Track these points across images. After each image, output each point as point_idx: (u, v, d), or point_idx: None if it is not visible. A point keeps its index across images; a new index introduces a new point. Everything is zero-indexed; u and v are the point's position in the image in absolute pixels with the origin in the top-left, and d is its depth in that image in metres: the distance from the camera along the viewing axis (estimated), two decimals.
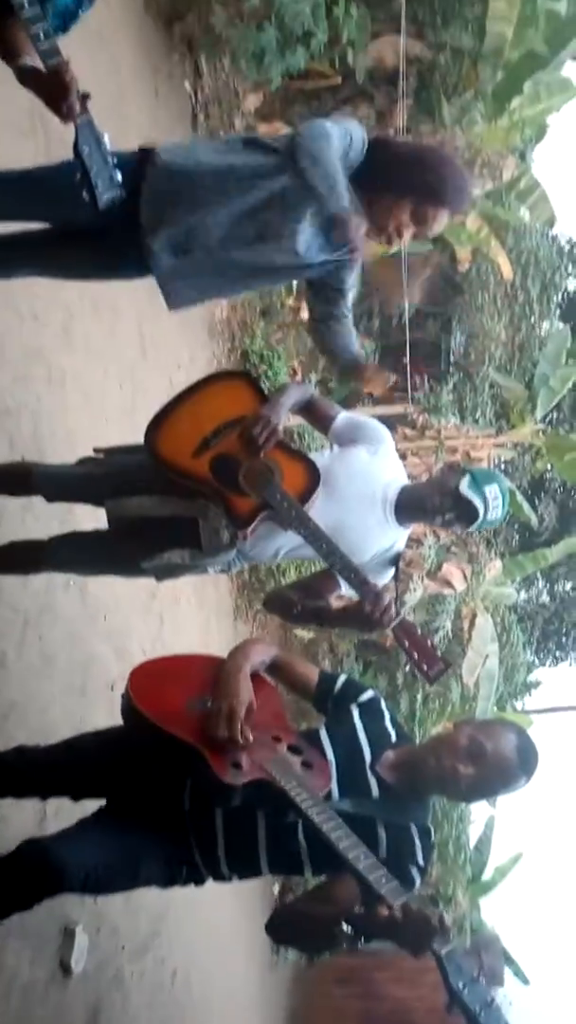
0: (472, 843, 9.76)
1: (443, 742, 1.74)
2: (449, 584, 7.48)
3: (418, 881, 1.65)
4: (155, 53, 5.37)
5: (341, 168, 1.77)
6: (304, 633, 7.54)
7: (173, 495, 1.96)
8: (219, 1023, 4.90)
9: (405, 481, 2.12)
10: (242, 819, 1.65)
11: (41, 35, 1.37)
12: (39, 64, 1.42)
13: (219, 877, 1.72)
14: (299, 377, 7.37)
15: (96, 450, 2.13)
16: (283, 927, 1.63)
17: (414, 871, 1.63)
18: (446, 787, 1.72)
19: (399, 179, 1.83)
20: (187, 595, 5.08)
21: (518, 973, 10.32)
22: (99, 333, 3.86)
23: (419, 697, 7.54)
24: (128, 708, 1.66)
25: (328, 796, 1.60)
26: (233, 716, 1.56)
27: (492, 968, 9.56)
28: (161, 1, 5.21)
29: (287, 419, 2.01)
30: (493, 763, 1.67)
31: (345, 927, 1.43)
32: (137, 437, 2.04)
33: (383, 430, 2.14)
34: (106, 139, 1.43)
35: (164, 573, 2.04)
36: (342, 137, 1.80)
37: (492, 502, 1.98)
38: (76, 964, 2.50)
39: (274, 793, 1.51)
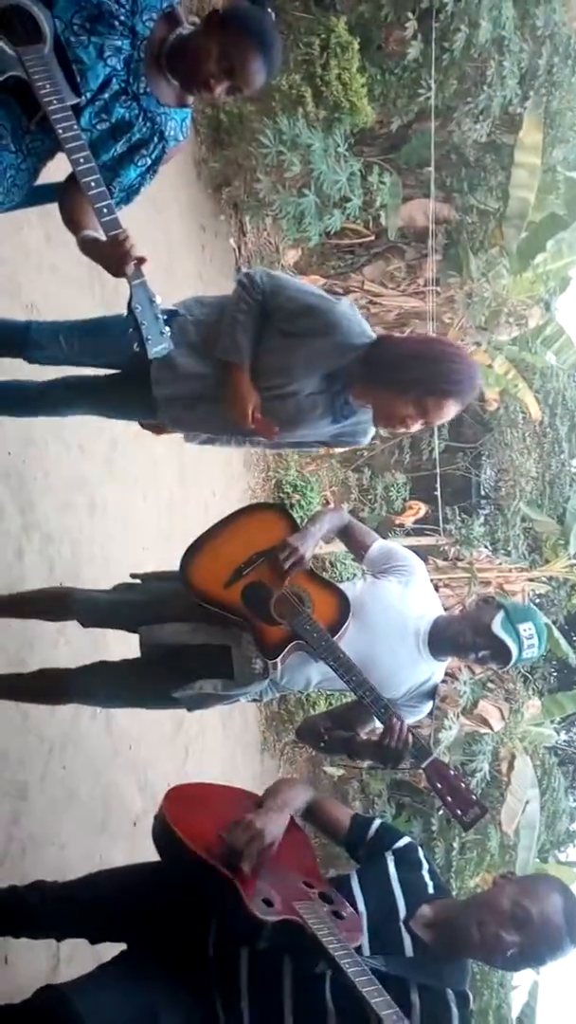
0: (515, 1013, 8.84)
1: (484, 905, 1.61)
2: (486, 723, 7.21)
3: None
4: (203, 213, 5.88)
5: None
6: (334, 771, 7.24)
7: (206, 623, 1.98)
8: None
9: (439, 612, 2.12)
10: (268, 968, 1.54)
11: (105, 211, 1.53)
12: (101, 235, 1.58)
13: None
14: (331, 506, 7.51)
15: (133, 576, 2.18)
16: None
17: None
18: (489, 956, 1.59)
19: (399, 377, 1.83)
20: (214, 726, 4.97)
21: None
22: (140, 463, 4.01)
23: (456, 845, 7.10)
24: (161, 831, 1.60)
25: (359, 951, 1.50)
26: (257, 838, 1.51)
27: None
28: (211, 170, 5.75)
29: (319, 546, 2.04)
30: (539, 929, 1.55)
31: None
32: (173, 564, 2.08)
33: (417, 561, 2.16)
34: (158, 298, 1.56)
35: (195, 703, 2.03)
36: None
37: (527, 641, 1.96)
38: None
39: (303, 939, 1.42)
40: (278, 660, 1.92)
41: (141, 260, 1.55)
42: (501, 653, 1.94)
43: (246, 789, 1.85)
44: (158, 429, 2.13)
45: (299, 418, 1.92)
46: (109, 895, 1.70)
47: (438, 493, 8.00)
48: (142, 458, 4.06)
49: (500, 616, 1.97)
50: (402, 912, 1.62)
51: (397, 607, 2.05)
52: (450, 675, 6.86)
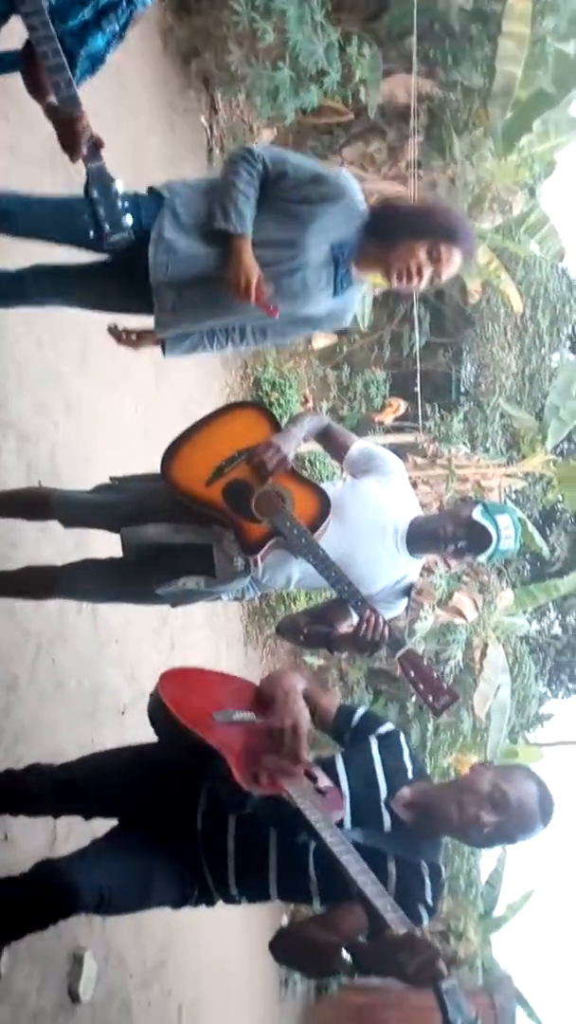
0: (483, 879, 9.60)
1: (465, 788, 1.72)
2: (460, 614, 7.45)
3: (426, 920, 1.64)
4: (172, 89, 5.52)
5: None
6: (314, 661, 7.51)
7: (188, 522, 2.00)
8: None
9: (417, 512, 2.15)
10: (254, 839, 1.65)
11: (62, 84, 1.43)
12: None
13: (229, 899, 1.72)
14: (310, 405, 7.45)
15: (112, 479, 2.17)
16: (286, 949, 1.62)
17: (422, 909, 1.62)
18: (467, 834, 1.70)
19: (413, 224, 1.89)
20: (198, 621, 5.10)
21: (531, 1014, 10.08)
22: (115, 360, 3.93)
23: (430, 728, 7.48)
24: (156, 708, 1.68)
25: (340, 825, 1.60)
26: (299, 733, 1.62)
27: (504, 1008, 9.33)
28: (179, 39, 5.36)
29: (299, 446, 2.04)
30: (515, 811, 1.66)
31: (346, 956, 1.42)
32: (152, 464, 2.07)
33: (396, 461, 2.18)
34: (118, 184, 1.48)
35: (178, 599, 2.07)
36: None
37: (504, 531, 2.00)
38: (84, 992, 2.49)
39: (288, 812, 1.52)
40: (259, 557, 1.95)
41: (98, 143, 1.47)
42: (480, 541, 1.99)
43: (235, 675, 1.93)
44: (136, 341, 2.07)
45: (305, 294, 1.90)
46: (104, 774, 1.80)
47: (418, 390, 7.96)
48: (116, 356, 3.97)
49: (479, 507, 2.02)
50: (383, 792, 1.72)
51: (376, 506, 2.08)
52: (426, 569, 7.03)
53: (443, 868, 1.72)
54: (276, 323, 1.96)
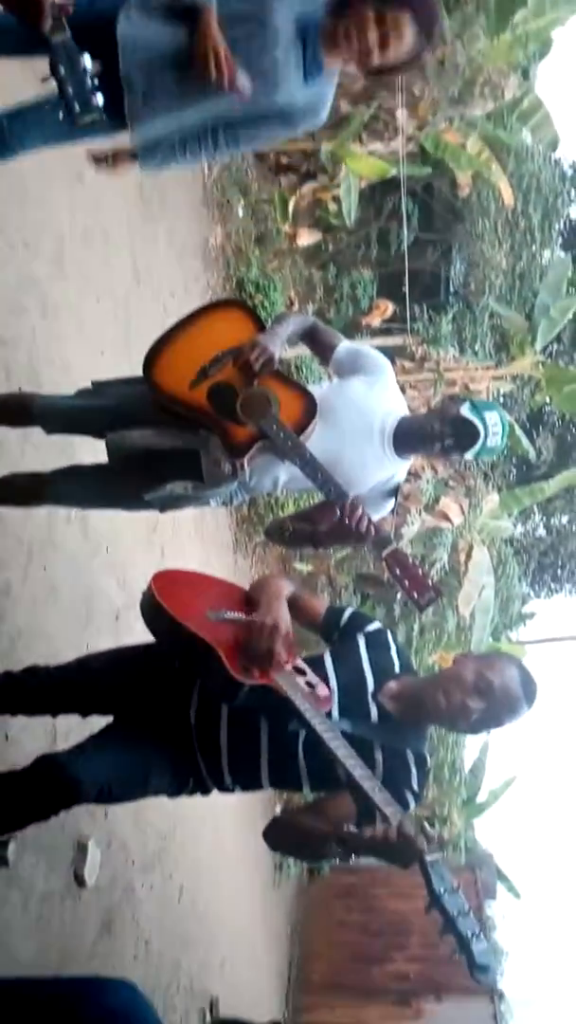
0: (467, 768, 10.08)
1: (450, 679, 1.76)
2: (446, 518, 7.53)
3: (412, 804, 1.70)
4: None
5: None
6: (303, 567, 7.62)
7: (173, 427, 1.97)
8: (224, 936, 5.16)
9: (404, 412, 2.12)
10: (246, 730, 1.71)
11: None
12: None
13: (223, 788, 1.80)
14: (296, 307, 7.26)
15: (94, 383, 2.13)
16: (279, 836, 1.71)
17: (408, 795, 1.68)
18: (455, 721, 1.76)
19: None
20: (187, 529, 5.13)
21: (510, 888, 10.80)
22: (91, 262, 3.79)
23: (416, 628, 7.68)
24: (149, 605, 1.71)
25: (328, 716, 1.65)
26: (277, 632, 1.64)
27: (486, 883, 9.99)
28: None
29: (285, 349, 2.00)
30: (500, 696, 1.71)
31: (336, 842, 1.47)
32: (133, 368, 2.03)
33: (384, 361, 2.13)
34: (86, 59, 1.38)
35: (166, 504, 2.07)
36: None
37: (492, 427, 1.99)
38: (89, 877, 2.63)
39: (278, 702, 1.57)
40: (245, 460, 1.94)
41: (63, 6, 1.36)
42: (467, 437, 1.97)
43: (227, 579, 1.96)
44: (114, 161, 1.96)
45: (275, 74, 1.81)
46: (99, 674, 1.85)
47: (406, 290, 7.76)
48: (93, 257, 3.83)
49: (466, 404, 2.00)
50: (370, 686, 1.78)
51: (363, 406, 2.05)
52: (412, 474, 7.05)
53: (428, 757, 1.79)
54: (249, 119, 1.87)
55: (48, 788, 1.59)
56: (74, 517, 3.06)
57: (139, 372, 1.97)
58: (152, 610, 1.71)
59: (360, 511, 1.84)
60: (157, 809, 3.66)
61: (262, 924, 7.29)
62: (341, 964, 8.81)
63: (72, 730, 2.29)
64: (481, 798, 10.25)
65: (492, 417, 1.99)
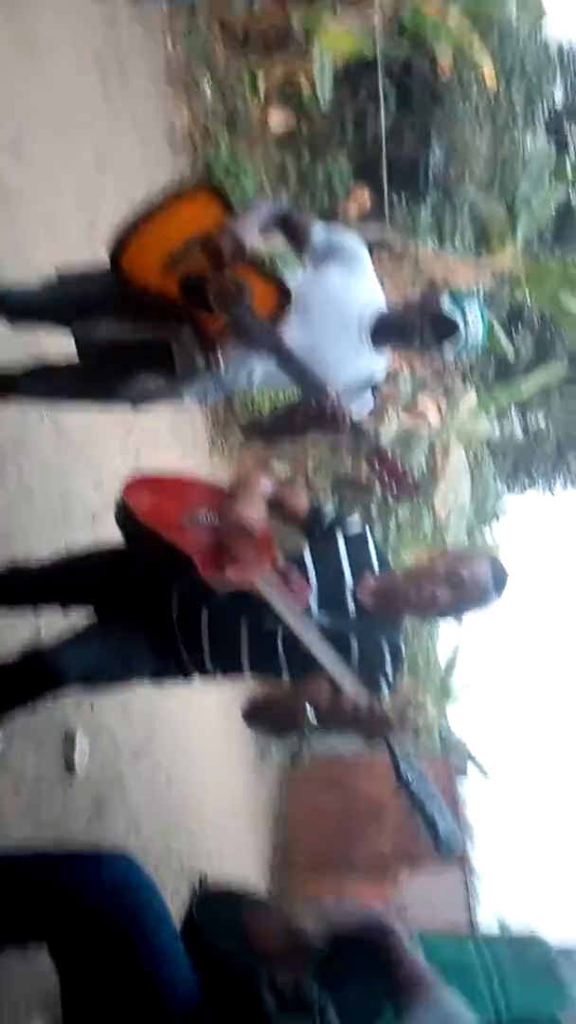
0: (442, 659, 10.46)
1: (423, 572, 1.79)
2: (424, 418, 7.50)
3: (386, 691, 1.75)
4: None
5: None
6: (281, 470, 7.60)
7: (143, 318, 1.89)
8: (210, 818, 5.42)
9: (382, 303, 2.06)
10: (226, 629, 1.73)
11: None
12: None
13: (204, 672, 1.83)
14: (269, 195, 6.94)
15: (58, 271, 2.03)
16: (257, 712, 1.74)
17: (383, 682, 1.73)
18: (424, 611, 1.79)
19: None
20: (163, 431, 5.06)
21: (480, 769, 11.43)
22: (53, 150, 3.56)
23: (392, 527, 7.77)
24: (123, 514, 1.70)
25: (306, 611, 1.67)
26: (249, 537, 1.63)
27: (457, 765, 10.54)
28: None
29: (257, 236, 1.90)
30: (470, 587, 1.74)
31: (310, 716, 1.50)
32: (99, 257, 1.93)
33: (361, 247, 2.04)
34: None
35: (139, 400, 2.01)
36: None
37: (472, 319, 1.94)
38: (79, 764, 2.71)
39: (255, 602, 1.58)
40: (219, 353, 1.88)
41: None
42: (446, 329, 1.93)
43: (204, 478, 1.93)
44: None
45: None
46: (80, 572, 1.86)
47: (384, 174, 7.43)
48: (55, 145, 3.59)
49: (446, 295, 1.94)
50: (348, 582, 1.80)
51: (340, 297, 1.98)
52: (390, 375, 6.96)
53: (403, 647, 1.83)
54: None
55: (33, 674, 1.61)
56: (47, 418, 2.99)
57: (105, 261, 1.87)
58: (126, 519, 1.69)
59: (338, 404, 1.81)
60: (144, 701, 3.76)
61: (247, 809, 7.66)
62: (322, 844, 9.34)
63: (55, 628, 2.31)
64: (455, 688, 10.70)
65: (471, 308, 1.94)
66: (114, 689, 1.80)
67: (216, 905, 1.44)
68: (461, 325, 1.92)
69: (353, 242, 2.05)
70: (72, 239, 3.53)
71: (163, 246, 1.84)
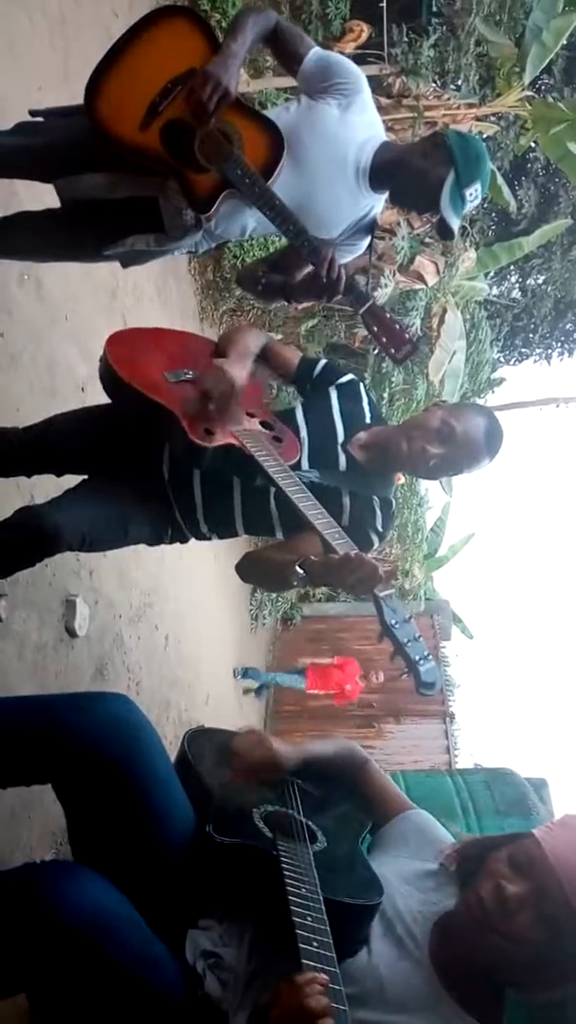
0: (429, 525, 10.65)
1: (415, 425, 1.77)
2: (421, 279, 7.23)
3: (376, 543, 1.78)
4: None
5: None
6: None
7: (127, 172, 1.77)
8: (207, 677, 5.69)
9: (382, 138, 1.91)
10: (218, 488, 1.75)
11: None
12: None
13: (200, 536, 1.86)
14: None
15: (32, 113, 1.87)
16: (249, 566, 1.77)
17: (372, 535, 1.76)
18: (415, 466, 1.77)
19: None
20: (149, 295, 4.88)
21: (464, 630, 11.90)
22: None
23: (386, 396, 7.67)
24: (106, 372, 1.66)
25: (297, 466, 1.67)
26: (232, 392, 1.58)
27: (442, 626, 10.97)
28: None
29: (242, 65, 1.73)
30: (461, 443, 1.72)
31: (300, 570, 1.52)
32: (76, 101, 1.78)
33: (360, 76, 1.87)
34: None
35: (129, 259, 1.92)
36: None
37: (470, 201, 1.81)
38: (80, 629, 2.81)
39: (245, 460, 1.57)
40: (210, 213, 1.77)
41: None
42: (442, 230, 1.82)
43: (187, 330, 1.87)
44: None
45: None
46: (70, 434, 1.83)
47: (383, 5, 6.79)
48: None
49: (449, 181, 1.77)
50: (340, 436, 1.79)
51: (335, 134, 1.83)
52: (388, 231, 6.64)
53: (393, 501, 1.83)
54: None
55: (30, 535, 1.60)
56: (27, 281, 2.87)
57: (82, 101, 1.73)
58: (109, 377, 1.65)
59: (335, 265, 1.73)
60: (140, 568, 3.85)
61: (241, 667, 8.04)
62: (310, 697, 9.87)
63: (49, 495, 2.32)
64: (441, 552, 10.95)
65: (472, 193, 1.80)
66: (110, 549, 1.80)
67: (206, 738, 1.50)
68: (455, 226, 1.80)
69: (350, 68, 1.87)
70: (47, 82, 3.25)
71: (141, 92, 1.70)
